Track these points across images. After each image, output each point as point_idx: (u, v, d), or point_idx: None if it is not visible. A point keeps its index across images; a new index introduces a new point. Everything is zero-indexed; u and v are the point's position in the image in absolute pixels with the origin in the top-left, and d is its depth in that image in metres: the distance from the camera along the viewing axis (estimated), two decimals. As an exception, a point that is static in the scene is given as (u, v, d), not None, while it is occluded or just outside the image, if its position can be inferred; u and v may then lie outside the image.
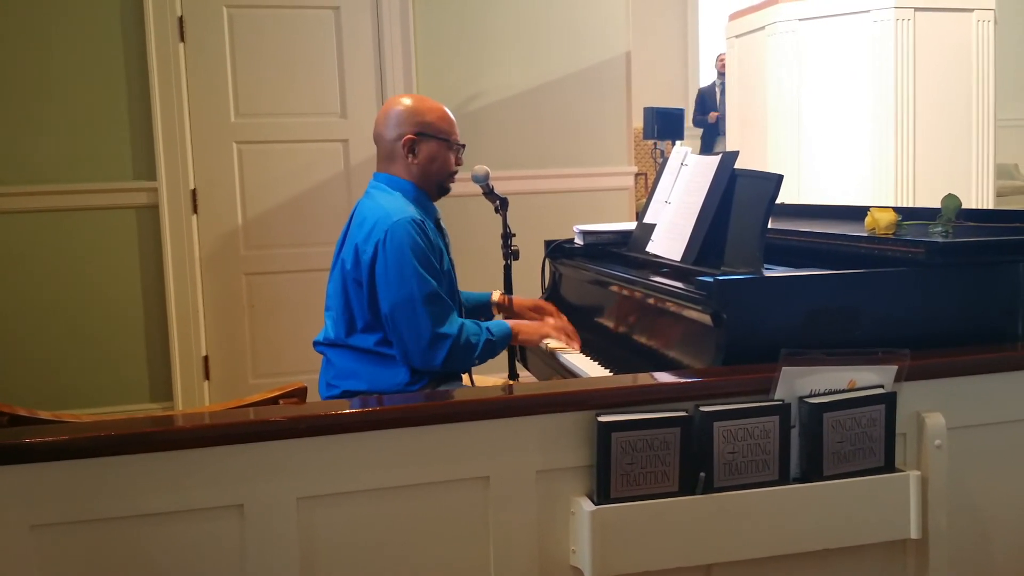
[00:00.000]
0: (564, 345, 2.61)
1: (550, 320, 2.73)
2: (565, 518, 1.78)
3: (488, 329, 2.47)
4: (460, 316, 2.62)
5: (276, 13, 4.37)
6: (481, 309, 2.83)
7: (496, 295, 2.86)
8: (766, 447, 1.80)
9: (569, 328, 2.66)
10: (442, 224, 2.61)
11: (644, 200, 2.90)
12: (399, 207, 2.42)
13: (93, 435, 1.62)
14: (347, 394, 2.46)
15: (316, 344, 2.56)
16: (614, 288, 2.65)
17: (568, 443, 1.76)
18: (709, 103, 9.14)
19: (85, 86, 4.16)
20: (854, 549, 1.88)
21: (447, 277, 2.50)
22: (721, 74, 9.17)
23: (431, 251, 2.39)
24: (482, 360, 2.47)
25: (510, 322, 2.57)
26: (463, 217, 4.07)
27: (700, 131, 9.20)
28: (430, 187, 2.56)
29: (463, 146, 2.59)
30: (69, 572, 1.59)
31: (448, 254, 2.56)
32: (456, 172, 2.59)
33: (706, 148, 8.85)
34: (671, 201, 2.63)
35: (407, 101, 2.55)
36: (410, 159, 2.50)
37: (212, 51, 4.31)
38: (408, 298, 2.33)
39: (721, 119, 9.03)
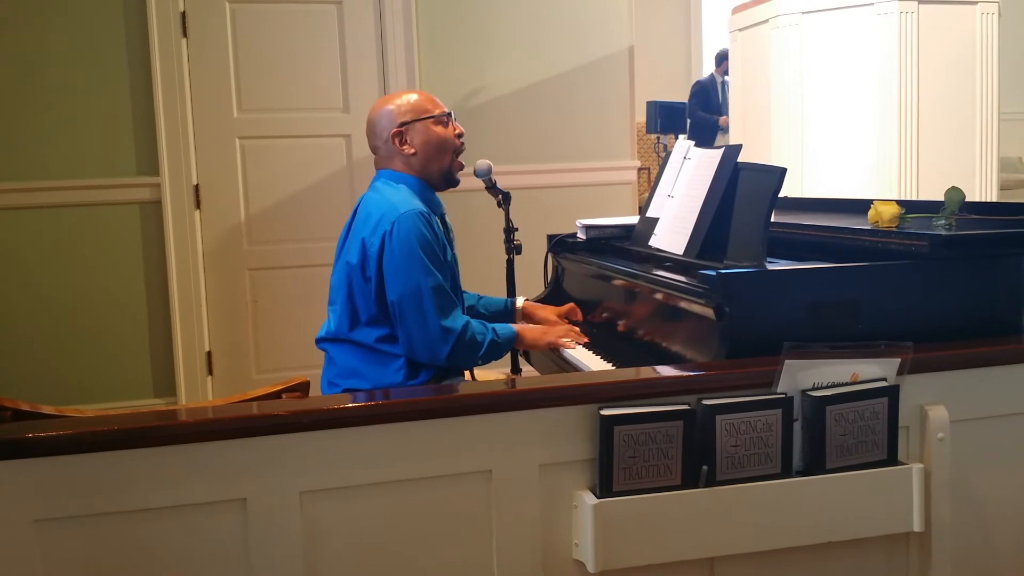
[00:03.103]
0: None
1: (553, 328, 2.70)
2: (568, 511, 1.78)
3: (494, 330, 2.47)
4: (462, 312, 2.62)
5: (278, 8, 4.36)
6: (503, 317, 2.80)
7: (521, 302, 2.84)
8: (769, 440, 1.80)
9: (574, 331, 2.64)
10: (447, 219, 2.61)
11: (647, 194, 2.90)
12: (405, 200, 2.42)
13: (96, 430, 1.63)
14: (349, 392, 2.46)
15: (318, 341, 2.56)
16: (617, 282, 2.65)
17: (571, 437, 1.77)
18: (713, 98, 9.06)
19: (88, 82, 4.17)
20: (857, 542, 1.88)
21: (451, 272, 2.49)
22: (725, 73, 9.11)
23: (437, 244, 2.40)
24: (486, 360, 2.48)
25: (516, 327, 2.57)
26: (465, 212, 4.07)
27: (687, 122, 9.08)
28: (435, 177, 2.54)
29: (449, 114, 2.58)
30: (72, 566, 1.60)
31: (452, 249, 2.55)
32: (460, 144, 2.57)
33: (695, 142, 8.75)
34: (674, 195, 2.63)
35: (383, 105, 2.55)
36: (406, 149, 2.50)
37: (215, 47, 4.30)
38: (414, 291, 2.33)
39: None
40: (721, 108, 9.06)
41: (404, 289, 2.34)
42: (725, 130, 8.84)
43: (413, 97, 2.56)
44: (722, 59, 9.27)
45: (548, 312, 2.82)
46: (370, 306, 2.41)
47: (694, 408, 1.78)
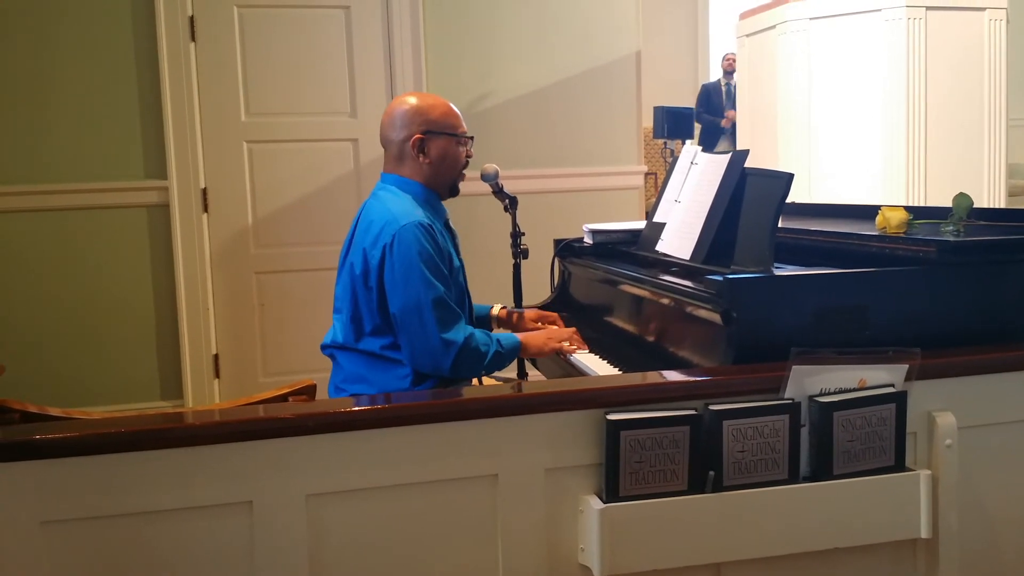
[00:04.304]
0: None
1: (556, 331, 2.70)
2: (574, 516, 1.78)
3: (498, 341, 2.46)
4: (471, 317, 2.62)
5: (286, 12, 4.37)
6: (481, 323, 2.81)
7: (496, 308, 2.84)
8: (776, 446, 1.79)
9: (576, 339, 2.65)
10: (451, 224, 2.60)
11: (654, 199, 2.89)
12: (406, 210, 2.40)
13: (103, 432, 1.63)
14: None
15: (324, 347, 2.55)
16: (623, 287, 2.64)
17: (577, 441, 1.76)
18: (715, 100, 9.12)
19: (96, 85, 4.18)
20: (864, 548, 1.87)
21: (456, 279, 2.49)
22: (728, 73, 9.19)
23: (439, 255, 2.38)
24: (489, 371, 2.47)
25: (519, 335, 2.57)
26: (472, 216, 4.07)
27: (698, 127, 9.16)
28: (441, 187, 2.54)
29: (471, 138, 2.58)
30: (79, 568, 1.60)
31: (457, 255, 2.55)
32: (467, 166, 2.58)
33: (704, 146, 8.82)
34: (681, 200, 2.63)
35: (411, 101, 2.52)
36: (421, 159, 2.49)
37: (223, 50, 4.32)
38: (415, 303, 2.32)
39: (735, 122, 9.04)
40: (723, 110, 9.12)
41: (405, 302, 2.33)
42: (726, 130, 8.90)
43: (442, 107, 2.51)
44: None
45: (528, 317, 2.81)
46: (374, 316, 2.40)
47: (701, 413, 1.77)
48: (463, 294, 2.56)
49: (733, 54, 9.15)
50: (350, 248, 2.50)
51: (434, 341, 2.33)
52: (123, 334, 4.29)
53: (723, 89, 9.22)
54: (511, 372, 3.03)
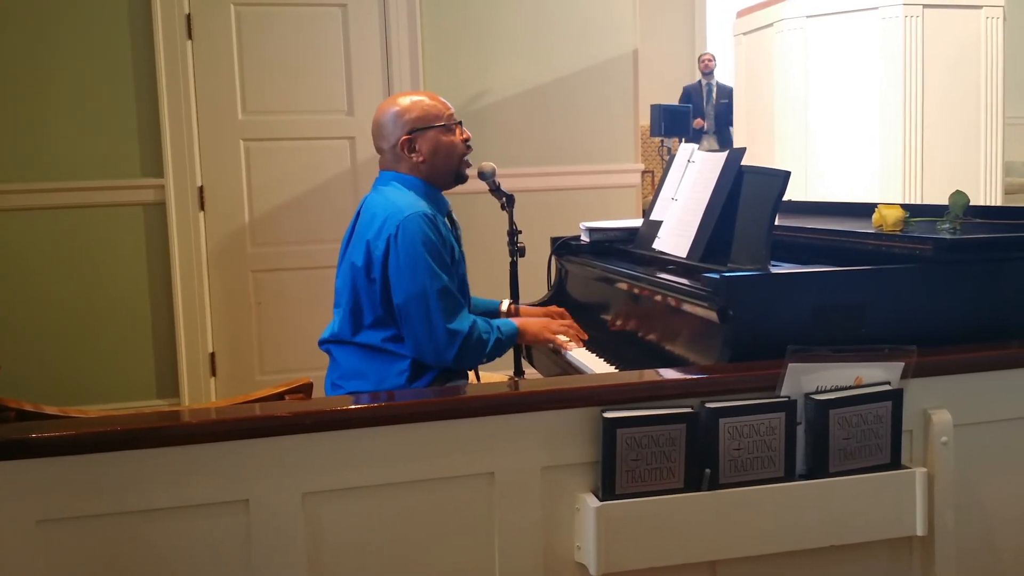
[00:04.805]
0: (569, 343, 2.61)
1: (554, 321, 2.71)
2: (570, 514, 1.78)
3: (498, 328, 2.47)
4: (469, 311, 2.62)
5: (283, 10, 4.37)
6: (489, 317, 2.81)
7: (505, 305, 2.84)
8: (772, 444, 1.79)
9: (574, 327, 2.65)
10: (454, 217, 2.61)
11: (651, 197, 2.90)
12: (410, 202, 2.41)
13: (99, 430, 1.63)
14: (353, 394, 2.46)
15: (322, 342, 2.56)
16: (620, 285, 2.64)
17: (573, 439, 1.76)
18: (696, 101, 9.14)
19: (93, 83, 4.17)
20: (860, 546, 1.88)
21: (458, 271, 2.49)
22: (706, 73, 9.22)
23: (443, 246, 2.39)
24: (490, 359, 2.48)
25: (516, 321, 2.58)
26: (469, 214, 4.05)
27: None
28: (443, 179, 2.54)
29: (460, 122, 2.57)
30: (75, 567, 1.60)
31: (459, 247, 2.55)
32: (468, 150, 2.56)
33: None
34: (678, 198, 2.63)
35: (393, 105, 2.52)
36: (414, 157, 2.49)
37: (220, 48, 4.31)
38: (420, 293, 2.33)
39: (719, 120, 9.08)
40: (703, 111, 9.15)
41: (409, 292, 2.34)
42: (706, 131, 8.93)
43: (423, 102, 2.52)
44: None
45: (533, 314, 2.82)
46: (375, 308, 2.41)
47: (697, 411, 1.77)
48: (464, 285, 2.57)
49: (709, 54, 9.24)
50: (350, 242, 2.51)
51: (439, 331, 2.34)
52: (119, 332, 4.28)
53: (703, 89, 9.25)
54: (507, 368, 3.03)
